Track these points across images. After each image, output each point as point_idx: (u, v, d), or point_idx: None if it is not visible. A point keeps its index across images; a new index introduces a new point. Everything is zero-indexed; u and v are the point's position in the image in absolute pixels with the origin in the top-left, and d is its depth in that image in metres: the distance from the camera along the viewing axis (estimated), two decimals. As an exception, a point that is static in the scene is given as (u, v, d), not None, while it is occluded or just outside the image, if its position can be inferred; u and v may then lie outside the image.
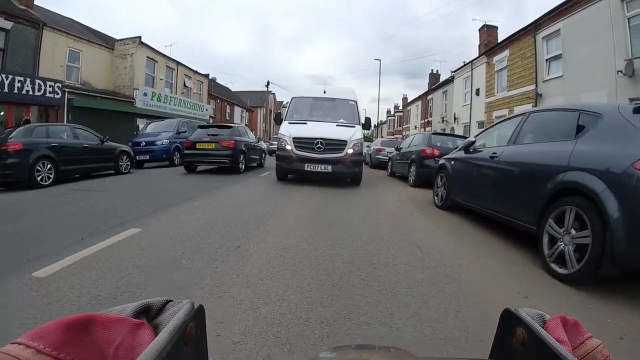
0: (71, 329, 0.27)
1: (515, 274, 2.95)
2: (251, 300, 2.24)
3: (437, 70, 34.35)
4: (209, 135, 10.33)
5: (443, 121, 24.50)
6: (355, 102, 8.80)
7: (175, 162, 12.42)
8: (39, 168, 7.64)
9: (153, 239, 3.48)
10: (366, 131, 8.73)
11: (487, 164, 4.28)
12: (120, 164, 9.96)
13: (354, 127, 7.92)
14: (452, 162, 5.48)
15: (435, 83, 30.13)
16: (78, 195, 6.22)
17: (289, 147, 7.48)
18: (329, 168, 7.32)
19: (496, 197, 4.06)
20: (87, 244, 3.18)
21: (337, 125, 7.86)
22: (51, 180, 7.85)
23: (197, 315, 0.35)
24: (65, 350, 0.26)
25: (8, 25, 13.21)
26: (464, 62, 21.69)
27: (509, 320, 0.39)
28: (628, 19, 9.92)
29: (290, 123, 8.02)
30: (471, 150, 4.90)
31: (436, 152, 8.38)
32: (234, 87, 42.11)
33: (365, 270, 2.83)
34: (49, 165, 7.86)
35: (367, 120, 8.70)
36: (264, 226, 4.14)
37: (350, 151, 7.40)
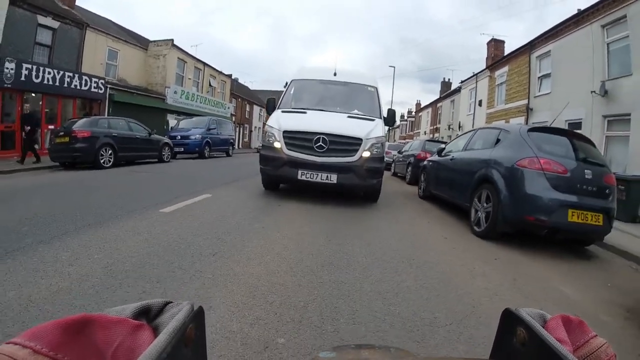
0: (69, 329, 0.27)
1: (448, 231, 4.68)
2: (288, 223, 4.08)
3: (449, 79, 35.70)
4: None
5: (449, 128, 25.94)
6: (376, 88, 6.83)
7: (206, 155, 14.35)
8: (102, 153, 9.50)
9: (222, 199, 5.38)
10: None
11: (447, 163, 6.03)
12: (163, 153, 11.93)
13: (372, 120, 5.87)
14: (430, 163, 7.18)
15: (447, 91, 31.52)
16: (142, 175, 8.06)
17: (277, 145, 5.45)
18: (334, 178, 5.27)
19: (451, 186, 5.76)
20: (179, 200, 4.97)
21: (348, 117, 5.87)
22: (111, 163, 9.72)
23: (197, 317, 0.35)
24: (62, 351, 0.26)
25: (55, 24, 14.86)
26: (473, 72, 23.11)
27: (510, 320, 0.40)
28: (607, 44, 11.26)
29: (283, 112, 6.08)
30: (442, 154, 6.58)
31: (428, 156, 9.99)
32: (252, 87, 44.09)
33: (355, 222, 4.61)
34: (110, 151, 9.72)
35: (391, 113, 6.51)
36: (297, 191, 6.26)
37: (366, 154, 5.35)
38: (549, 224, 4.03)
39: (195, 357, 0.35)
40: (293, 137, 5.42)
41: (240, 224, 3.91)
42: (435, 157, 6.95)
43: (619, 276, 3.96)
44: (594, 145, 4.94)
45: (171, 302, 0.36)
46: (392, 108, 6.40)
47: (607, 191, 4.34)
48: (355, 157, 5.35)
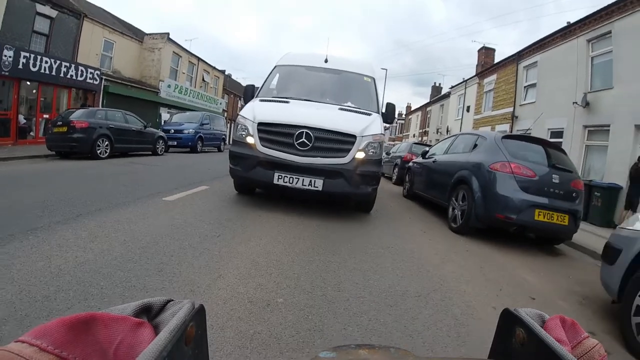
0: (73, 328, 0.27)
1: (427, 226, 5.14)
2: (281, 214, 4.41)
3: (439, 84, 36.45)
4: None
5: (437, 132, 26.56)
6: (373, 79, 5.97)
7: (198, 149, 14.63)
8: (99, 143, 9.73)
9: (219, 191, 5.71)
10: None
11: (430, 165, 6.50)
12: (157, 146, 12.18)
13: (369, 115, 5.05)
14: (414, 165, 7.64)
15: (437, 95, 32.18)
16: (140, 167, 8.34)
17: (250, 141, 4.60)
18: (319, 184, 4.38)
19: (433, 186, 6.22)
20: (180, 190, 5.31)
21: (340, 109, 5.05)
22: (107, 154, 9.96)
23: (198, 315, 0.35)
24: (67, 349, 0.26)
25: (53, 13, 14.86)
26: (463, 78, 23.75)
27: (509, 320, 0.40)
28: (592, 57, 11.74)
29: (261, 101, 5.21)
30: (426, 157, 7.04)
31: (414, 158, 10.45)
32: (245, 82, 44.16)
33: (343, 217, 4.98)
34: (106, 142, 9.96)
35: (390, 108, 5.66)
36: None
37: (360, 155, 4.50)
38: (517, 222, 4.49)
39: (195, 356, 0.35)
40: (269, 131, 4.51)
41: (239, 212, 4.30)
42: (420, 159, 7.42)
43: (581, 271, 4.38)
44: (564, 153, 5.41)
45: (172, 300, 0.36)
46: (392, 102, 5.66)
47: (573, 194, 4.81)
48: (347, 159, 4.44)
